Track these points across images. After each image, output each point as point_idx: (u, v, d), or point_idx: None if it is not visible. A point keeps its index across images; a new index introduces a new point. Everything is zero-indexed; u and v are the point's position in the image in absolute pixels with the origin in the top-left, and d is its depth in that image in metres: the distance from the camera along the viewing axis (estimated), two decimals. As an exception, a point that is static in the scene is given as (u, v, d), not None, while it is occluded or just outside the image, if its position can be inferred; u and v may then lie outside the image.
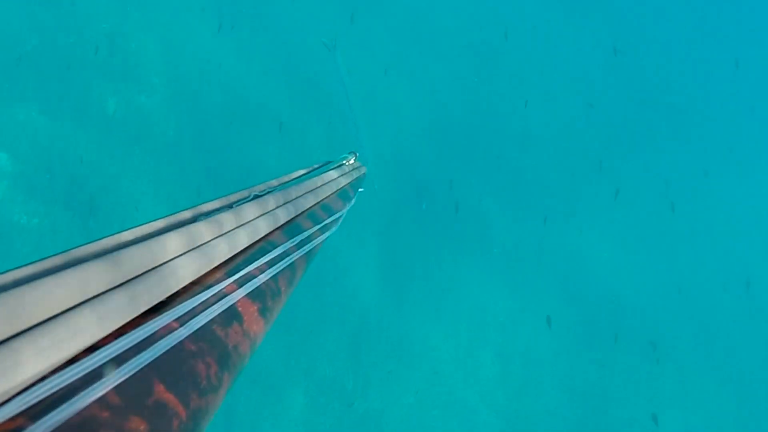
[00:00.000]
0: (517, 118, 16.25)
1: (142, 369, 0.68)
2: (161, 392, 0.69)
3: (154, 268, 0.86)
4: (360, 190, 2.45)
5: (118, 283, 0.79)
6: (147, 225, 0.99)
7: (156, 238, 0.91)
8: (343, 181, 2.17)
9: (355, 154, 2.48)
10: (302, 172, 1.87)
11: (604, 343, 13.31)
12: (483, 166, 14.89)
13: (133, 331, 0.74)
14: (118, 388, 0.63)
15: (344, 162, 2.40)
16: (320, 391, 10.28)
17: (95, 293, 0.75)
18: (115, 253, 0.82)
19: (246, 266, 1.08)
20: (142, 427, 0.62)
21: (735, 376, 14.84)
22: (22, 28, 11.17)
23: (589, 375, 12.78)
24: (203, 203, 1.19)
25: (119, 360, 0.69)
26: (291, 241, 1.34)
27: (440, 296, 12.33)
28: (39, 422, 0.56)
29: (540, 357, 12.50)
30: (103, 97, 11.29)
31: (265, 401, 9.79)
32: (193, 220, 1.10)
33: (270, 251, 1.21)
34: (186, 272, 0.91)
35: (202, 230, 1.04)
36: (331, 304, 10.99)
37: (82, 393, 0.62)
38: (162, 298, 0.85)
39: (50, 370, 0.64)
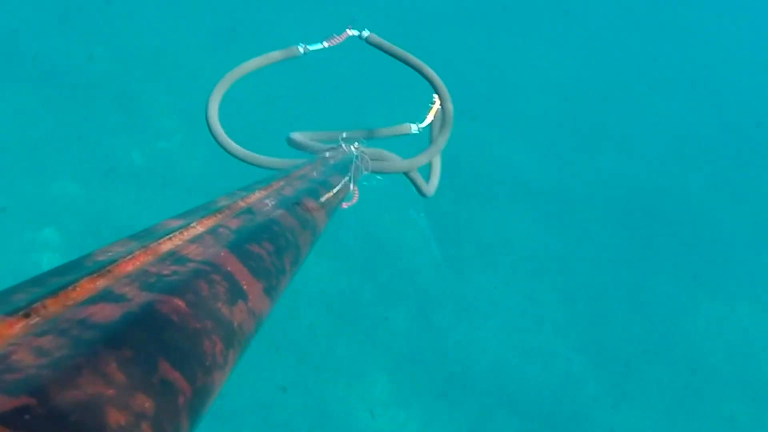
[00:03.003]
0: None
1: (146, 347, 0.69)
2: (166, 370, 0.69)
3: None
4: (364, 172, 2.55)
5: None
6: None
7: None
8: (348, 164, 2.18)
9: (359, 141, 2.62)
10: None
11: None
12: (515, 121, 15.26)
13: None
14: (122, 365, 0.63)
15: (350, 145, 2.50)
16: (401, 368, 10.57)
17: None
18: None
19: (249, 243, 1.10)
20: (147, 404, 0.63)
21: None
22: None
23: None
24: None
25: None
26: (296, 220, 1.36)
27: (494, 252, 12.63)
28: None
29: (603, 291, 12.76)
30: (127, 151, 11.77)
31: (352, 387, 10.12)
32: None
33: (274, 230, 1.23)
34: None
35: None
36: (392, 286, 11.32)
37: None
38: None
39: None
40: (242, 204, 1.24)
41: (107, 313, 0.70)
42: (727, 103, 19.24)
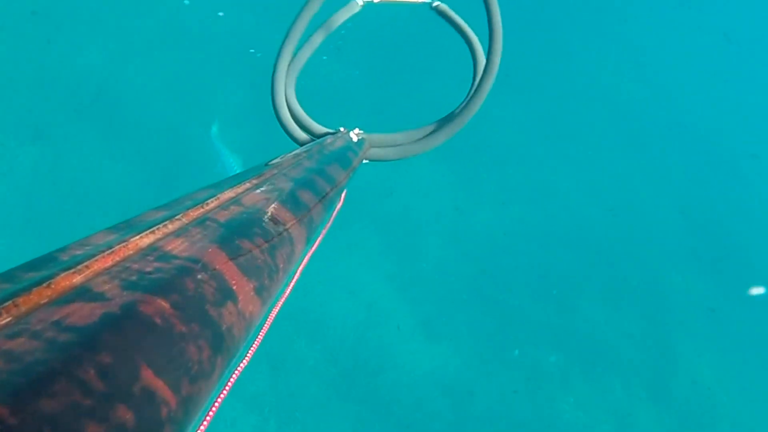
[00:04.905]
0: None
1: (127, 353, 0.62)
2: (149, 378, 0.63)
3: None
4: (365, 161, 2.41)
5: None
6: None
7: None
8: (345, 153, 2.10)
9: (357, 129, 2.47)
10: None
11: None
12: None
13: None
14: (101, 373, 0.57)
15: (347, 133, 2.36)
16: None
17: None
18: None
19: (240, 238, 1.01)
20: (128, 416, 0.57)
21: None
22: None
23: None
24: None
25: None
26: (290, 214, 1.27)
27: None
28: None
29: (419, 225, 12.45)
30: None
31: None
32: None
33: (266, 224, 1.14)
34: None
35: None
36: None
37: None
38: None
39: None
40: (231, 194, 1.16)
41: (84, 313, 0.64)
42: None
